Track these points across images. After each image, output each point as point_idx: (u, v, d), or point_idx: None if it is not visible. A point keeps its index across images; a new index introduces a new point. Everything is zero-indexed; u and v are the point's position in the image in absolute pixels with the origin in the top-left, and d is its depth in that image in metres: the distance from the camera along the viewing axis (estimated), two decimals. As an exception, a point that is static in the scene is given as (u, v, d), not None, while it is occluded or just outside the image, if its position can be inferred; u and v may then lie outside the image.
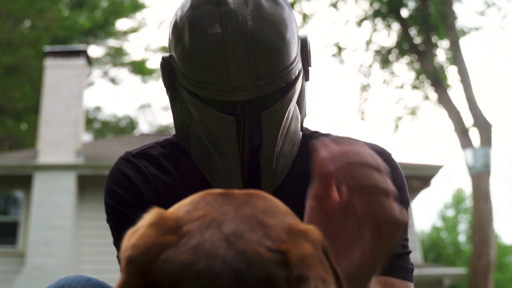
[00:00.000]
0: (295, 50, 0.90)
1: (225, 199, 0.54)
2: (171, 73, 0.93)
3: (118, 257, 0.96)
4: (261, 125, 0.88)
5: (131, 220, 0.93)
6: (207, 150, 0.93)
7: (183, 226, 0.52)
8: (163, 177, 0.97)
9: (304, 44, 0.95)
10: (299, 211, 0.92)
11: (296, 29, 0.93)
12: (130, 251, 0.51)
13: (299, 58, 0.92)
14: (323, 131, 1.04)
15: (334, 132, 1.04)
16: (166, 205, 0.94)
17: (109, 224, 0.97)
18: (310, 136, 1.01)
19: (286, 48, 0.87)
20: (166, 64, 0.93)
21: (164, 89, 0.97)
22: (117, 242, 0.96)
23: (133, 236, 0.52)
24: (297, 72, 0.90)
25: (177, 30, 0.89)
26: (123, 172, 0.97)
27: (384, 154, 0.97)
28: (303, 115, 0.98)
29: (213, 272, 0.47)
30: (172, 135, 1.05)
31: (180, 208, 0.56)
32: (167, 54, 0.95)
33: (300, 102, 0.96)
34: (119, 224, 0.96)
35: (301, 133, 0.99)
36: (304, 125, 1.03)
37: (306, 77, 0.97)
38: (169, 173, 0.97)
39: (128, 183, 0.96)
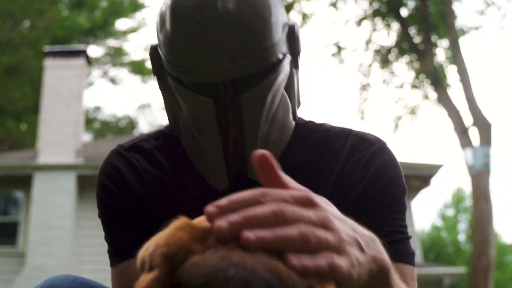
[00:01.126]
0: (277, 34, 0.88)
1: None
2: (158, 61, 0.93)
3: (108, 251, 0.96)
4: (242, 108, 0.87)
5: (121, 215, 0.94)
6: (193, 137, 0.92)
7: (208, 238, 0.53)
8: (154, 172, 0.96)
9: (291, 31, 0.93)
10: None
11: (282, 14, 0.92)
12: (165, 249, 0.51)
13: (284, 44, 0.91)
14: (317, 121, 1.03)
15: (329, 122, 1.02)
16: (157, 200, 0.94)
17: (101, 218, 0.97)
18: (304, 126, 1.00)
19: (265, 29, 0.86)
20: (153, 52, 0.94)
21: (156, 81, 0.97)
22: (108, 237, 0.96)
23: (161, 237, 0.53)
24: (280, 56, 0.89)
25: (161, 16, 0.90)
26: (115, 166, 0.96)
27: (378, 143, 0.96)
28: (294, 104, 0.97)
29: (243, 280, 0.48)
30: (165, 126, 1.04)
31: (204, 221, 0.56)
32: (155, 43, 0.95)
33: (290, 90, 0.95)
34: (109, 219, 0.95)
35: (293, 122, 0.97)
36: (299, 115, 1.01)
37: (295, 65, 0.96)
38: (161, 166, 0.97)
39: (119, 177, 0.95)
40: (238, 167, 0.90)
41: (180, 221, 0.54)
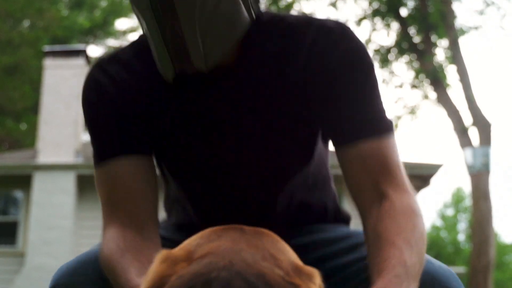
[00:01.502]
0: None
1: (236, 233, 0.56)
2: None
3: (92, 156, 1.02)
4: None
5: (103, 123, 1.00)
6: (148, 34, 0.95)
7: (194, 255, 0.54)
8: (132, 81, 1.01)
9: None
10: (260, 90, 0.95)
11: None
12: (145, 285, 0.54)
13: None
14: (280, 13, 1.03)
15: (293, 13, 1.01)
16: (135, 110, 0.99)
17: (87, 128, 1.03)
18: (266, 20, 1.00)
19: None
20: None
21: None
22: (92, 144, 1.02)
23: (146, 276, 0.55)
24: None
25: None
26: (96, 80, 1.02)
27: (339, 29, 0.96)
28: (248, 1, 0.96)
29: (225, 281, 0.48)
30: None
31: (190, 243, 0.57)
32: None
33: None
34: (92, 127, 1.01)
35: (248, 17, 0.96)
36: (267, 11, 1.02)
37: None
38: (138, 74, 1.01)
39: (100, 90, 1.01)
40: (182, 58, 0.92)
41: (161, 254, 0.56)
